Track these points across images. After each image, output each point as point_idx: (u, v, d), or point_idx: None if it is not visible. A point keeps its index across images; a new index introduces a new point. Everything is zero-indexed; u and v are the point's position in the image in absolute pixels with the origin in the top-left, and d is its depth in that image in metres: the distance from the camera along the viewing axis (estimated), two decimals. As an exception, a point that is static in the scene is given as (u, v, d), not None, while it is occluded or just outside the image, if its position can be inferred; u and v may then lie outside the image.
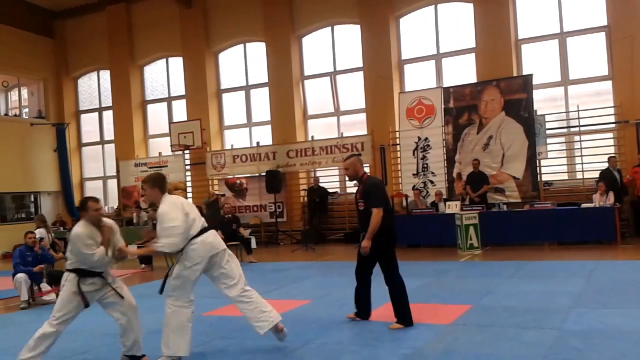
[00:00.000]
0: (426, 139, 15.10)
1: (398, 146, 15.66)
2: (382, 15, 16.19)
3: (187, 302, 5.14)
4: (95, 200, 5.24)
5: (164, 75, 19.92)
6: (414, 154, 15.24)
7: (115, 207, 19.84)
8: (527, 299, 6.93)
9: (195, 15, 18.56)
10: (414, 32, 16.38)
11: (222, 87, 18.95)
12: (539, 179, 14.06)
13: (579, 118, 14.24)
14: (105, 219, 5.28)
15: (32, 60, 20.19)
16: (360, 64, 16.63)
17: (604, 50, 14.34)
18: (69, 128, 20.77)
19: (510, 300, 6.93)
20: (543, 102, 14.65)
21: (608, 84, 14.33)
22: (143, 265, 12.72)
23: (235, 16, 18.06)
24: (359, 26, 16.60)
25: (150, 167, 18.05)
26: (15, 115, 20.95)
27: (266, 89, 17.88)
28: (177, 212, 5.10)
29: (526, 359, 4.68)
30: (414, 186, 15.00)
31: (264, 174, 16.74)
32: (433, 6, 16.01)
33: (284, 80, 17.38)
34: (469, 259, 11.13)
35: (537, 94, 14.25)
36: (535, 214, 12.43)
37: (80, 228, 5.08)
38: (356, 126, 16.90)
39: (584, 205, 12.41)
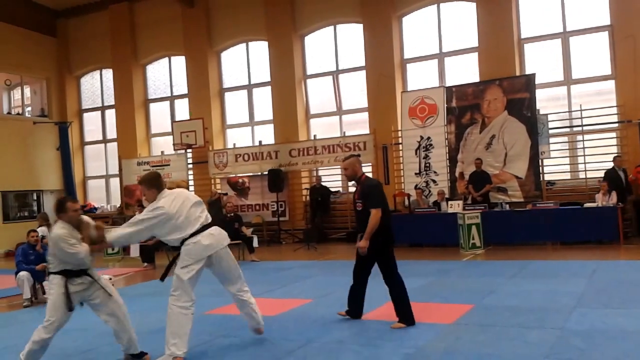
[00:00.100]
0: (428, 138, 15.09)
1: (400, 145, 15.64)
2: (385, 14, 16.18)
3: (188, 302, 5.14)
4: (74, 200, 5.23)
5: (166, 74, 19.93)
6: (416, 153, 15.23)
7: (118, 205, 19.86)
8: (529, 298, 6.93)
9: (198, 14, 18.57)
10: (416, 31, 16.36)
11: (225, 86, 18.96)
12: (541, 179, 14.05)
13: (581, 117, 14.22)
14: (82, 216, 5.27)
15: (34, 59, 20.22)
16: (363, 63, 16.62)
17: (606, 50, 14.32)
18: (72, 127, 20.81)
19: (512, 300, 6.92)
20: (546, 101, 14.63)
21: (611, 84, 14.30)
22: (145, 264, 12.74)
23: (238, 15, 18.06)
24: (361, 25, 16.58)
25: (152, 166, 18.06)
26: (18, 113, 20.98)
27: (268, 88, 17.88)
28: (173, 202, 5.19)
29: (528, 359, 4.67)
30: (417, 185, 14.99)
31: (266, 173, 16.76)
32: (435, 5, 15.99)
33: (287, 79, 17.38)
34: (471, 259, 11.12)
35: (539, 94, 14.23)
36: (537, 213, 12.42)
37: (60, 229, 5.03)
38: (358, 125, 16.90)
39: (586, 205, 12.40)
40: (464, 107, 14.74)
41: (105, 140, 21.16)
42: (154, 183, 5.32)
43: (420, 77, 16.20)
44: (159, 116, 20.08)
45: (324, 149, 16.56)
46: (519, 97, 14.07)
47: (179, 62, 19.41)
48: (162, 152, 19.06)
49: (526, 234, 12.59)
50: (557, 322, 5.70)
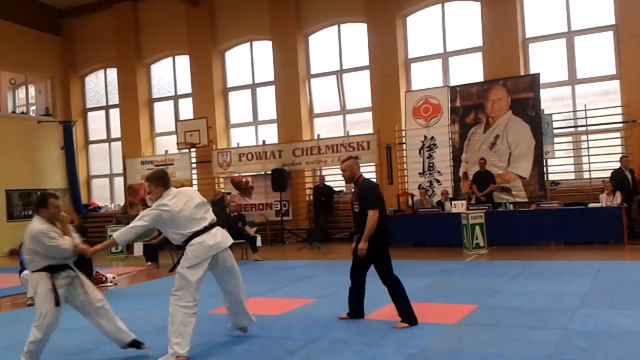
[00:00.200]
0: (432, 137, 15.06)
1: (404, 145, 15.63)
2: (389, 13, 16.16)
3: (191, 302, 5.15)
4: (56, 197, 5.22)
5: (170, 74, 19.95)
6: (420, 153, 15.21)
7: (122, 204, 19.89)
8: (533, 298, 6.91)
9: (202, 13, 18.58)
10: (420, 30, 16.33)
11: (229, 85, 18.96)
12: (545, 179, 14.02)
13: (586, 117, 14.17)
14: (62, 214, 5.30)
15: (39, 58, 20.26)
16: (367, 63, 16.60)
17: (611, 50, 14.26)
18: (76, 126, 20.83)
19: (516, 300, 6.91)
20: (550, 101, 14.59)
21: (616, 84, 14.26)
22: (149, 263, 12.74)
23: (242, 14, 18.07)
24: (365, 25, 16.56)
25: (156, 165, 18.08)
26: (22, 112, 21.02)
27: (272, 88, 17.88)
28: (177, 199, 5.26)
29: (532, 359, 4.66)
30: (420, 185, 14.97)
31: (270, 172, 16.76)
32: (440, 5, 15.96)
33: (290, 78, 17.37)
34: (474, 259, 11.10)
35: (544, 93, 14.20)
36: (541, 213, 12.39)
37: (39, 225, 5.02)
38: (362, 125, 16.88)
39: (590, 205, 12.36)
40: (468, 106, 14.71)
41: (109, 140, 21.19)
42: (161, 181, 5.37)
43: (424, 77, 16.17)
44: (163, 115, 20.09)
45: (328, 148, 16.56)
46: (524, 97, 14.04)
47: (183, 62, 19.43)
48: (166, 151, 19.09)
49: (530, 234, 12.56)
50: (561, 323, 5.68)
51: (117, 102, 20.53)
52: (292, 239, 16.64)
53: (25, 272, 8.71)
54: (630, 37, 13.71)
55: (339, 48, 17.29)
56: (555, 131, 14.06)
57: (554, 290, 7.32)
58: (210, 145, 18.01)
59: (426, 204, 14.21)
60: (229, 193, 16.61)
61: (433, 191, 14.90)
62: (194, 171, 18.65)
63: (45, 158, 20.00)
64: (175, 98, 19.85)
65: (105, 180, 21.33)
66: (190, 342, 5.08)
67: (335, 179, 16.74)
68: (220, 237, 5.39)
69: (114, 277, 10.59)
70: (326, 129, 17.36)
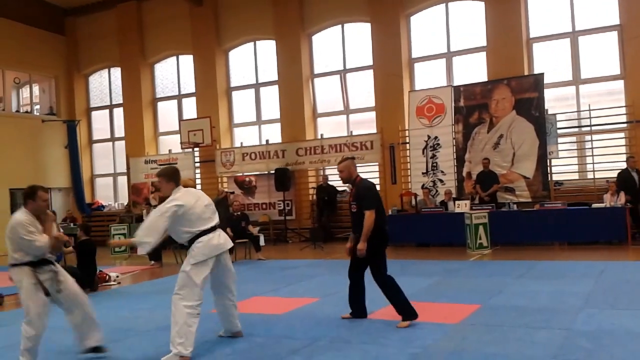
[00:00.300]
0: (436, 137, 15.05)
1: (408, 145, 15.61)
2: (393, 13, 16.15)
3: (196, 302, 5.15)
4: (45, 190, 5.14)
5: (174, 73, 19.98)
6: (423, 153, 15.19)
7: (125, 203, 19.92)
8: (536, 299, 6.90)
9: (206, 13, 18.60)
10: (424, 30, 16.33)
11: (232, 84, 18.98)
12: (549, 179, 13.99)
13: (590, 117, 14.14)
14: (48, 211, 5.23)
15: (43, 58, 20.31)
16: (370, 62, 16.60)
17: (616, 50, 14.24)
18: (80, 125, 20.91)
19: (519, 300, 6.89)
20: (554, 101, 14.57)
21: (620, 84, 14.22)
22: (152, 262, 12.77)
23: (246, 14, 18.08)
24: (369, 24, 16.56)
25: (160, 164, 18.10)
26: (26, 112, 21.10)
27: (276, 87, 17.89)
28: (188, 197, 5.29)
29: (535, 359, 4.65)
30: (424, 185, 14.96)
31: (273, 171, 16.77)
32: (444, 4, 15.95)
33: (294, 78, 17.38)
34: (478, 259, 11.09)
35: (548, 93, 14.17)
36: (545, 213, 12.37)
37: (22, 215, 4.95)
38: (366, 124, 16.88)
39: (594, 206, 12.33)
40: (471, 106, 14.69)
41: (113, 139, 21.24)
42: (173, 177, 5.41)
43: (428, 77, 16.17)
44: (167, 115, 20.14)
45: (331, 148, 16.55)
46: (527, 97, 14.01)
47: (187, 61, 19.46)
48: (169, 150, 19.12)
49: (534, 234, 12.54)
50: (564, 323, 5.67)
51: (121, 101, 20.58)
52: (295, 239, 16.65)
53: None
54: (634, 37, 13.67)
55: (342, 48, 17.29)
56: (559, 131, 14.03)
57: (558, 291, 7.30)
58: (213, 145, 18.03)
59: (429, 203, 14.20)
60: (232, 192, 16.60)
61: (436, 191, 14.89)
62: (198, 170, 18.68)
63: (49, 157, 20.05)
64: (179, 97, 19.88)
65: (108, 179, 21.38)
66: (193, 343, 5.09)
67: (338, 178, 16.69)
68: (223, 239, 5.46)
69: (117, 276, 10.61)
70: (329, 128, 17.36)
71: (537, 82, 14.02)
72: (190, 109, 19.40)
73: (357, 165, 6.57)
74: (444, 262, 10.75)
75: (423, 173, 15.16)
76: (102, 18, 20.39)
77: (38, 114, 21.12)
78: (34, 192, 5.04)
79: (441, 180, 14.95)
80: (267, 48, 18.24)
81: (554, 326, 5.58)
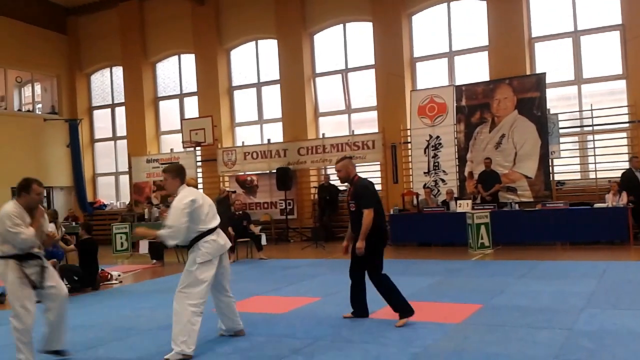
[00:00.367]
0: (438, 137, 15.04)
1: (409, 144, 15.60)
2: (395, 12, 16.13)
3: (201, 301, 5.15)
4: (41, 184, 5.08)
5: (176, 72, 19.99)
6: (425, 152, 15.18)
7: (127, 202, 19.94)
8: (538, 299, 6.89)
9: (208, 12, 18.60)
10: (426, 29, 16.31)
11: (234, 84, 18.98)
12: (551, 179, 13.97)
13: (592, 117, 14.12)
14: (40, 206, 5.18)
15: (45, 57, 20.33)
16: (372, 62, 16.59)
17: (618, 49, 14.21)
18: (82, 124, 20.93)
19: (521, 300, 6.89)
20: (556, 100, 14.55)
21: (622, 83, 14.20)
22: (154, 261, 12.78)
23: (247, 13, 18.08)
24: (371, 24, 16.55)
25: (161, 164, 18.10)
26: (28, 110, 21.11)
27: (277, 86, 17.89)
28: (196, 193, 5.33)
29: (537, 359, 4.65)
30: (425, 184, 14.95)
31: (275, 171, 16.78)
32: (446, 4, 15.93)
33: (296, 77, 17.38)
34: (480, 258, 11.08)
35: (550, 93, 14.15)
36: (547, 213, 12.36)
37: (11, 207, 4.87)
38: (367, 124, 16.87)
39: (596, 205, 12.32)
40: (473, 106, 14.68)
41: (115, 138, 21.25)
42: (179, 174, 5.43)
43: (430, 76, 16.15)
44: (169, 114, 20.15)
45: (333, 147, 16.55)
46: (529, 97, 13.99)
47: (189, 60, 19.46)
48: (171, 149, 19.13)
49: (535, 234, 12.53)
50: (566, 323, 5.67)
51: (122, 100, 20.59)
52: (297, 238, 16.65)
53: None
54: (636, 37, 13.65)
55: (344, 47, 17.28)
56: (561, 131, 14.01)
57: (559, 291, 7.30)
58: (215, 144, 18.04)
59: (431, 203, 14.19)
60: (234, 191, 16.61)
61: (438, 190, 14.88)
62: (199, 170, 18.69)
63: (51, 156, 20.07)
64: (181, 96, 19.89)
65: (110, 178, 21.39)
66: (196, 341, 5.09)
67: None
68: (224, 238, 5.48)
69: (119, 275, 10.62)
70: (331, 127, 17.36)
71: (539, 82, 14.00)
72: (192, 108, 19.41)
73: (359, 164, 6.58)
74: (445, 261, 10.75)
75: (425, 173, 15.15)
76: (104, 17, 20.40)
77: (40, 113, 21.13)
78: (29, 185, 4.97)
79: (443, 180, 14.95)
80: (269, 47, 18.24)
81: (555, 326, 5.58)
